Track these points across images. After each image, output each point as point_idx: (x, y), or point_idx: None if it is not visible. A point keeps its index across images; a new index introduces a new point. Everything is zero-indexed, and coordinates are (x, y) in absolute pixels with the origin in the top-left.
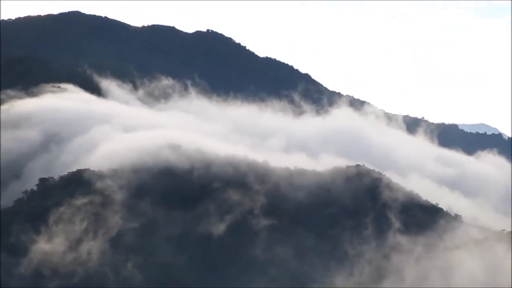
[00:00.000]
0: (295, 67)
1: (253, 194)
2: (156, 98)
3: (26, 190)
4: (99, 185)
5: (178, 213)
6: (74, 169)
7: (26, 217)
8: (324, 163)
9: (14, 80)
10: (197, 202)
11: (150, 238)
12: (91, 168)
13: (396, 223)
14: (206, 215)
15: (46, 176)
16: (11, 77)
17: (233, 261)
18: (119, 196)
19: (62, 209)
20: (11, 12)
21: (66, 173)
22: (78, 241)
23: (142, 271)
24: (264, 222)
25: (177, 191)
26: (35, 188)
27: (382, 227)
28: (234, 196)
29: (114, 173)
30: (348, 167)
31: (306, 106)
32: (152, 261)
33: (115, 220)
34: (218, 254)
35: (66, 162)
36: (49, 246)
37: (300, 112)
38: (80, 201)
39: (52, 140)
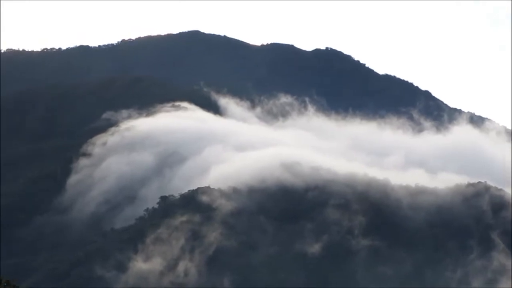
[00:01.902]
0: (415, 84)
1: (371, 211)
2: (274, 115)
3: (147, 208)
4: (216, 203)
5: (286, 230)
6: (189, 190)
7: (140, 234)
8: (444, 180)
9: (132, 100)
10: (310, 219)
11: (248, 256)
12: (211, 186)
13: None
14: (332, 231)
15: (166, 195)
16: (130, 97)
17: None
18: (235, 216)
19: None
20: (131, 32)
21: (186, 191)
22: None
23: None
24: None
25: (291, 209)
26: (156, 206)
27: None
28: (356, 214)
29: (232, 192)
30: (469, 184)
31: (426, 123)
32: (250, 280)
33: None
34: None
35: (178, 186)
36: (147, 265)
37: (419, 129)
38: (193, 218)
39: (166, 163)
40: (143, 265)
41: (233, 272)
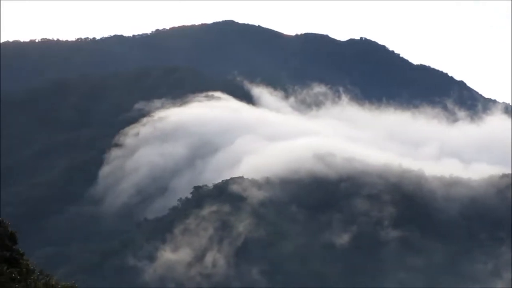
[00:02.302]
0: (450, 74)
1: (404, 202)
2: (308, 105)
3: (180, 198)
4: (249, 193)
5: (316, 221)
6: (222, 180)
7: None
8: (477, 171)
9: (165, 90)
10: (340, 210)
11: (276, 247)
12: (245, 176)
13: None
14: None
15: (198, 185)
16: (163, 87)
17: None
18: (264, 206)
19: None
20: (165, 22)
21: (219, 181)
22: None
23: (269, 280)
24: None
25: (322, 200)
26: (189, 196)
27: None
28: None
29: (265, 182)
30: (503, 175)
31: (460, 113)
32: (278, 270)
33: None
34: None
35: (211, 177)
36: (175, 256)
37: (454, 119)
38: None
39: (198, 154)
40: (173, 255)
41: (262, 262)
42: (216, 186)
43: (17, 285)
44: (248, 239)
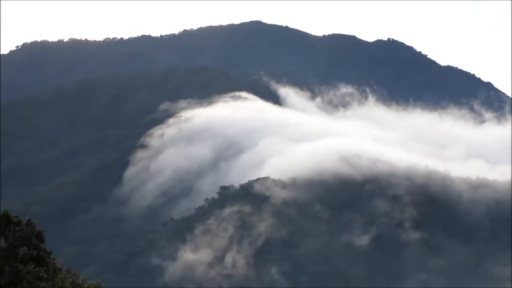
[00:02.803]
0: (477, 75)
1: (429, 203)
2: (334, 106)
3: (207, 198)
4: (276, 193)
5: (337, 222)
6: (249, 180)
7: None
8: (503, 173)
9: (192, 90)
10: (363, 212)
11: (297, 248)
12: (271, 177)
13: None
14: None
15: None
16: (190, 87)
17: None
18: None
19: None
20: (193, 22)
21: (246, 181)
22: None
23: (290, 281)
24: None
25: (344, 201)
26: (216, 196)
27: None
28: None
29: (291, 183)
30: None
31: (487, 114)
32: (299, 270)
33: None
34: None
35: (236, 178)
36: (201, 255)
37: (480, 121)
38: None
39: (223, 156)
40: (198, 255)
41: (283, 263)
42: (242, 187)
43: (44, 284)
44: (274, 239)
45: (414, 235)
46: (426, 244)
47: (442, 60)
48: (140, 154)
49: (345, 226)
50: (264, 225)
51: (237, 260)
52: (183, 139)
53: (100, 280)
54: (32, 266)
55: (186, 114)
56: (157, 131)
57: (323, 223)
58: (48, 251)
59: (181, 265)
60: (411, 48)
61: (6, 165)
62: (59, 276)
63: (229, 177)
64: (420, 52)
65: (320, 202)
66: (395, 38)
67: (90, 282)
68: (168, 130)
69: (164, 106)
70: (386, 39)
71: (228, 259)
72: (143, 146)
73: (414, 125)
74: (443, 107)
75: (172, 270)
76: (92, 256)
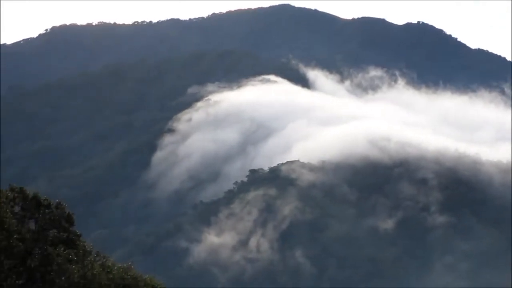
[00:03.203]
0: (508, 58)
1: (460, 187)
2: (363, 89)
3: (236, 181)
4: (304, 177)
5: (363, 205)
6: (278, 164)
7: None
8: None
9: (220, 74)
10: (389, 195)
11: (322, 231)
12: (301, 160)
13: None
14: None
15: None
16: (218, 70)
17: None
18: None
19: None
20: (221, 5)
21: (275, 165)
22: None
23: (315, 265)
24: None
25: (372, 185)
26: (245, 179)
27: None
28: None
29: (320, 166)
30: None
31: None
32: (326, 254)
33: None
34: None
35: (264, 161)
36: (219, 239)
37: (511, 104)
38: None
39: (251, 139)
40: (228, 236)
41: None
42: (271, 170)
43: (74, 266)
44: (302, 222)
45: (442, 219)
46: (454, 227)
47: (473, 43)
48: (167, 138)
49: (372, 210)
50: (291, 208)
51: (262, 243)
52: (211, 123)
53: (130, 263)
54: (62, 248)
55: (214, 97)
56: (184, 115)
57: (350, 206)
58: (78, 233)
59: (207, 247)
60: (441, 31)
61: (36, 148)
62: (88, 258)
63: (258, 161)
64: (450, 35)
65: (348, 185)
66: (425, 21)
67: (120, 265)
68: (196, 114)
69: (192, 89)
70: (415, 22)
71: (260, 241)
72: (171, 131)
73: (443, 109)
74: (473, 90)
75: (198, 252)
76: (121, 239)
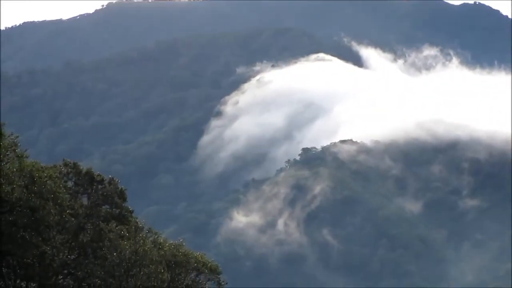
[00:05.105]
0: None
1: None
2: (417, 68)
3: (289, 160)
4: (359, 157)
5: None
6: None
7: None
8: None
9: (276, 51)
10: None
11: (350, 211)
12: (354, 139)
13: None
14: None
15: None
16: (274, 48)
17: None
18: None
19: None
20: None
21: (328, 143)
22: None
23: (370, 244)
24: None
25: (414, 165)
26: (298, 158)
27: None
28: None
29: (373, 146)
30: None
31: None
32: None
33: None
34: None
35: (315, 140)
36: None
37: None
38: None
39: (293, 126)
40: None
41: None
42: (324, 149)
43: (126, 242)
44: (356, 199)
45: (481, 203)
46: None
47: None
48: (214, 122)
49: (421, 191)
50: (346, 186)
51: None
52: (258, 108)
53: (181, 240)
54: (114, 224)
55: (265, 76)
56: (232, 98)
57: (404, 187)
58: (130, 209)
59: (257, 224)
60: (497, 12)
61: (90, 123)
62: (140, 235)
63: (309, 140)
64: (506, 16)
65: (397, 166)
66: (481, 2)
67: (171, 242)
68: (247, 92)
69: (244, 69)
70: (472, 2)
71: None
72: (218, 114)
73: (498, 90)
74: None
75: (249, 230)
76: (173, 216)
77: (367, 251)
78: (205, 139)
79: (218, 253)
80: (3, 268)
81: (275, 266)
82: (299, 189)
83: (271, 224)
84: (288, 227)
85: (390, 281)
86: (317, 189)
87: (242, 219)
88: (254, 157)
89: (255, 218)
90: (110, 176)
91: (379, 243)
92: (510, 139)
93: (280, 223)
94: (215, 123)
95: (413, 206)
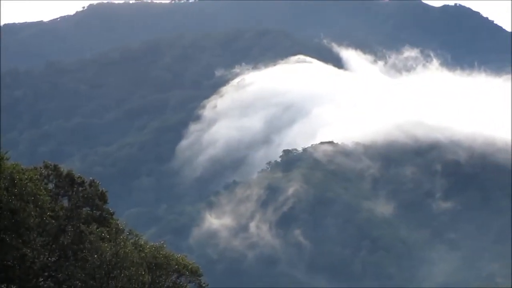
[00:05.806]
0: None
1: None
2: (397, 69)
3: (270, 162)
4: (337, 159)
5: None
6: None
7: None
8: None
9: (258, 53)
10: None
11: (326, 213)
12: (334, 141)
13: None
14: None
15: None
16: (256, 49)
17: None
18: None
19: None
20: None
21: (309, 145)
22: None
23: (350, 246)
24: None
25: (405, 168)
26: (278, 160)
27: None
28: None
29: (353, 148)
30: None
31: None
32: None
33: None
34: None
35: (297, 143)
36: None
37: None
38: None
39: (273, 129)
40: (248, 219)
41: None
42: (305, 150)
43: (106, 244)
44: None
45: (451, 204)
46: (486, 207)
47: (509, 26)
48: (193, 126)
49: (396, 193)
50: (320, 187)
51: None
52: (235, 113)
53: (162, 242)
54: (95, 226)
55: (245, 77)
56: (214, 98)
57: (382, 189)
58: (111, 211)
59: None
60: (478, 13)
61: (71, 125)
62: (121, 237)
63: (289, 141)
64: (487, 18)
65: (375, 167)
66: (462, 4)
67: (152, 244)
68: (226, 96)
69: (223, 71)
70: (453, 4)
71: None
72: (197, 118)
73: (478, 90)
74: (508, 73)
75: (227, 232)
76: (154, 217)
77: (346, 251)
78: (184, 143)
79: (200, 255)
80: None
81: (251, 267)
82: (272, 191)
83: (244, 227)
84: (260, 230)
85: (370, 282)
86: (291, 190)
87: (215, 222)
88: (233, 160)
89: (228, 221)
90: (91, 178)
91: (357, 244)
92: (490, 140)
93: (252, 226)
94: (194, 127)
95: (388, 208)
